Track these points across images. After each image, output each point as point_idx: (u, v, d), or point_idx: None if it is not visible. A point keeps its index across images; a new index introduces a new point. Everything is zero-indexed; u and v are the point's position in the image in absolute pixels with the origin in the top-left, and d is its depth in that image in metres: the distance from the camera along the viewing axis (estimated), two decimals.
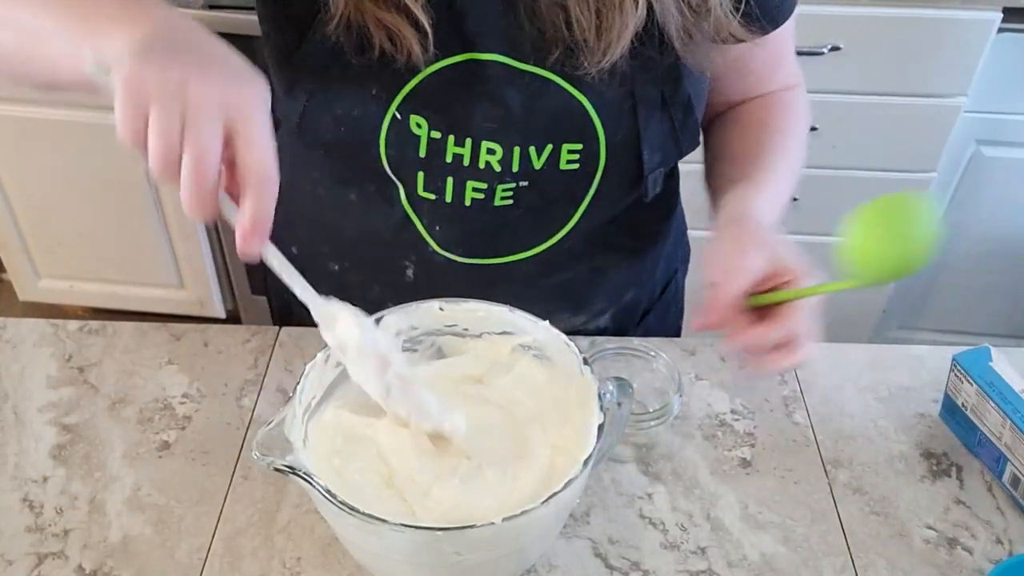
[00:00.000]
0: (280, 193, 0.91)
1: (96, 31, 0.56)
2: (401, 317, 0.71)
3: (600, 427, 0.61)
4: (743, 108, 0.89)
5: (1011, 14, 1.50)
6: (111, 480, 0.75)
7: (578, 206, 0.80)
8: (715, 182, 0.84)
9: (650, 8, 0.69)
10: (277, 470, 0.57)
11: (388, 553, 0.59)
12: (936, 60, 1.55)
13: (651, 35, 0.71)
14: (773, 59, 0.85)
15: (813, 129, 1.62)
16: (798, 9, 0.82)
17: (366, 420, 0.67)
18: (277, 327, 0.89)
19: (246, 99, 0.54)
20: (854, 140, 1.66)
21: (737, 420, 0.81)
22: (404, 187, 0.79)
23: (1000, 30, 1.52)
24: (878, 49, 1.55)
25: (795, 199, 1.77)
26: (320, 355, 0.67)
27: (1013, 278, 1.88)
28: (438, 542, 0.57)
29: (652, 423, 0.75)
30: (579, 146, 0.75)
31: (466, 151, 0.75)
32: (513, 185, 0.77)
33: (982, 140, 1.70)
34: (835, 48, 1.53)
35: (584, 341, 0.87)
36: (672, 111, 0.77)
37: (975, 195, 1.77)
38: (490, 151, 0.75)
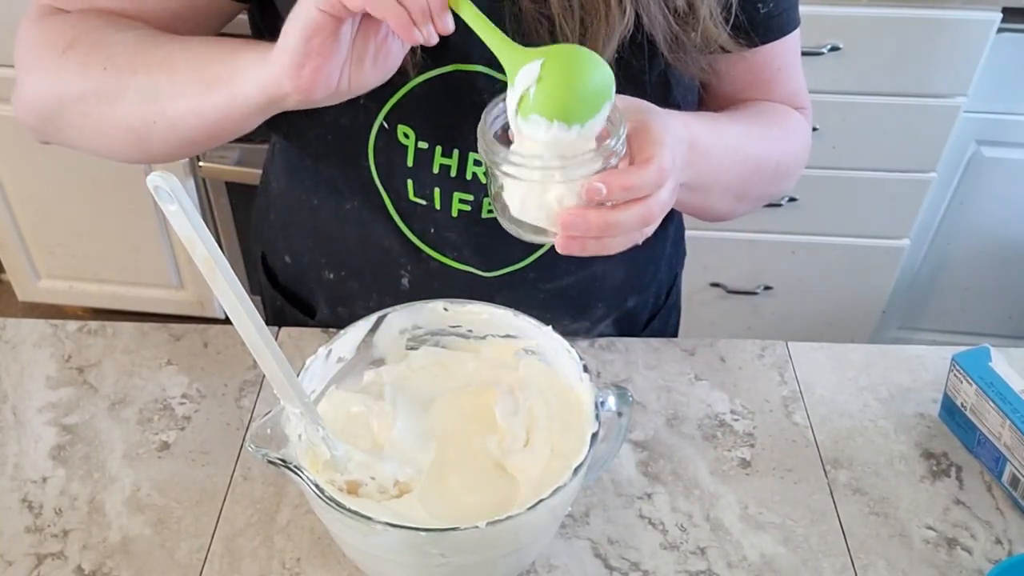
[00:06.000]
0: (277, 201, 0.91)
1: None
2: (405, 316, 0.71)
3: (594, 436, 0.61)
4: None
5: (1011, 14, 1.50)
6: (111, 481, 0.75)
7: None
8: None
9: (637, 19, 0.68)
10: (270, 462, 0.57)
11: (377, 552, 0.59)
12: (936, 60, 1.55)
13: (639, 46, 0.71)
14: (767, 75, 0.82)
15: (813, 130, 1.62)
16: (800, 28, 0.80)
17: (365, 414, 0.67)
18: (276, 328, 0.89)
19: None
20: (854, 140, 1.66)
21: (737, 420, 0.81)
22: (394, 196, 0.79)
23: (1000, 30, 1.52)
24: (878, 49, 1.55)
25: (794, 199, 1.78)
26: (321, 349, 0.67)
27: (1013, 278, 1.88)
28: (421, 543, 0.57)
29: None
30: None
31: (453, 162, 0.75)
32: None
33: (982, 140, 1.70)
34: (835, 48, 1.53)
35: (584, 342, 0.87)
36: None
37: (975, 195, 1.77)
38: (477, 162, 0.75)
